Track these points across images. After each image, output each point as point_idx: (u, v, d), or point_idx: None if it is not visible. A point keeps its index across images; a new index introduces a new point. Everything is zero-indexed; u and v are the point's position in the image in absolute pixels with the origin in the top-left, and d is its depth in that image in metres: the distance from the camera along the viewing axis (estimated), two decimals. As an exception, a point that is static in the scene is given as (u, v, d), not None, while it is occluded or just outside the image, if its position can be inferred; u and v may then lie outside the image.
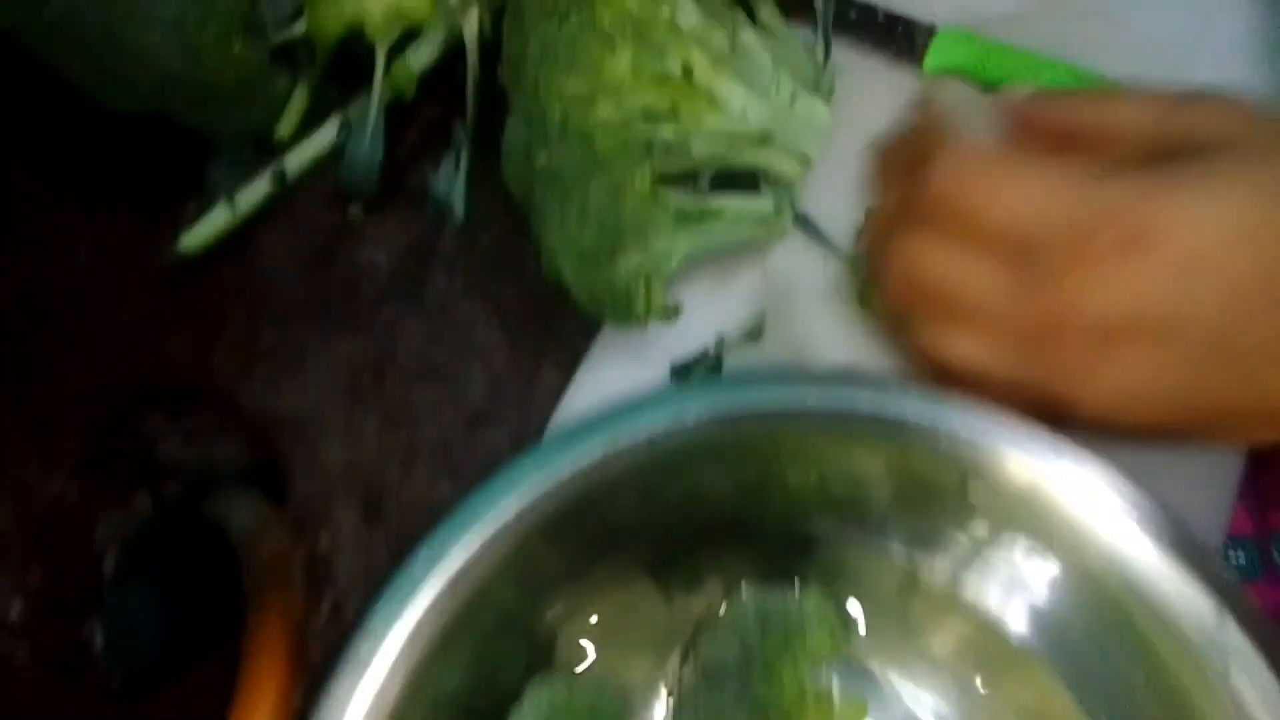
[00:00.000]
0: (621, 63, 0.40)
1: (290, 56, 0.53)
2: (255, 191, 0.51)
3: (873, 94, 0.54)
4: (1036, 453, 0.37)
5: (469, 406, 0.51)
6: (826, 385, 0.38)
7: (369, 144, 0.51)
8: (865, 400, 0.37)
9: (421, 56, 0.50)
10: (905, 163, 0.41)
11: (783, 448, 0.39)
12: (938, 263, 0.36)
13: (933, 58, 0.55)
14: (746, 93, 0.43)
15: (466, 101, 0.52)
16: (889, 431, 0.37)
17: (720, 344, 0.50)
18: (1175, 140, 0.36)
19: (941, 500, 0.39)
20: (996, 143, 0.38)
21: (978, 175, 0.35)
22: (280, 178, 0.52)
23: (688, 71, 0.42)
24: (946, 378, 0.38)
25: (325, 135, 0.53)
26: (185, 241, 0.50)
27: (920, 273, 0.37)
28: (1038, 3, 0.57)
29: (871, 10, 0.57)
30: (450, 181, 0.50)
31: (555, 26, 0.42)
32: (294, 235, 0.54)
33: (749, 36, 0.46)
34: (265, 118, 0.52)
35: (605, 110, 0.41)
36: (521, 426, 0.50)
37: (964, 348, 0.37)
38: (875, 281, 0.41)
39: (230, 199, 0.50)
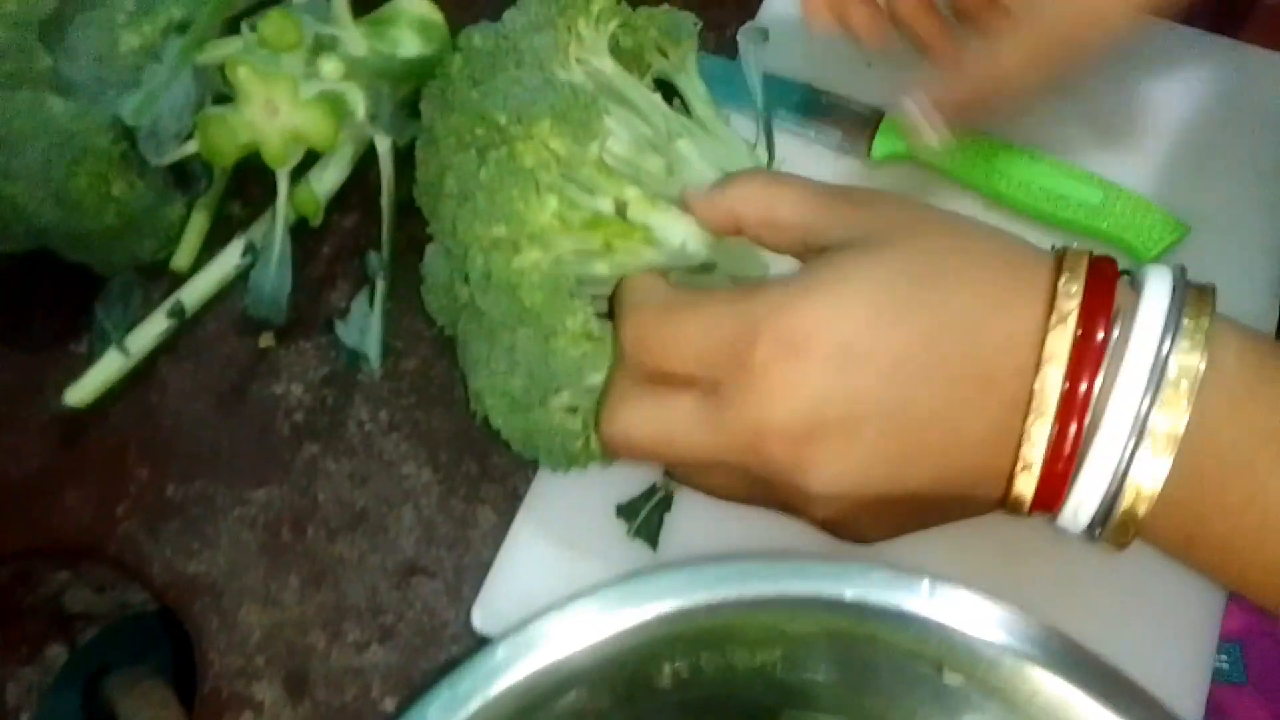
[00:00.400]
0: (547, 208, 0.36)
1: (184, 175, 0.48)
2: (149, 332, 0.47)
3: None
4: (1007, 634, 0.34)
5: (399, 557, 0.47)
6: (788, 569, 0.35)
7: (275, 271, 0.46)
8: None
9: (327, 181, 0.46)
10: None
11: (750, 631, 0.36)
12: (644, 421, 0.37)
13: (880, 145, 0.52)
14: (685, 223, 0.39)
15: (382, 216, 0.48)
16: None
17: (669, 479, 0.46)
18: (823, 234, 0.37)
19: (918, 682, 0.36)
20: (667, 288, 0.38)
21: (651, 329, 0.36)
22: (179, 312, 0.47)
23: (621, 208, 0.38)
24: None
25: (228, 260, 0.48)
26: (70, 395, 0.45)
27: (635, 435, 0.37)
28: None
29: (815, 94, 0.54)
30: (363, 326, 0.46)
31: (473, 164, 0.38)
32: (200, 371, 0.50)
33: (685, 146, 0.42)
34: (159, 246, 0.47)
35: (531, 256, 0.37)
36: (457, 578, 0.46)
37: (704, 481, 0.39)
38: (606, 448, 0.40)
39: (121, 343, 0.45)
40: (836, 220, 0.37)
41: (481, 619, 0.45)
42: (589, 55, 0.42)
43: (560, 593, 0.44)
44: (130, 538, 0.47)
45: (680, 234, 0.39)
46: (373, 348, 0.46)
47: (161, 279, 0.51)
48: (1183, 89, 0.53)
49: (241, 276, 0.48)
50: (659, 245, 0.39)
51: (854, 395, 0.34)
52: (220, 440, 0.49)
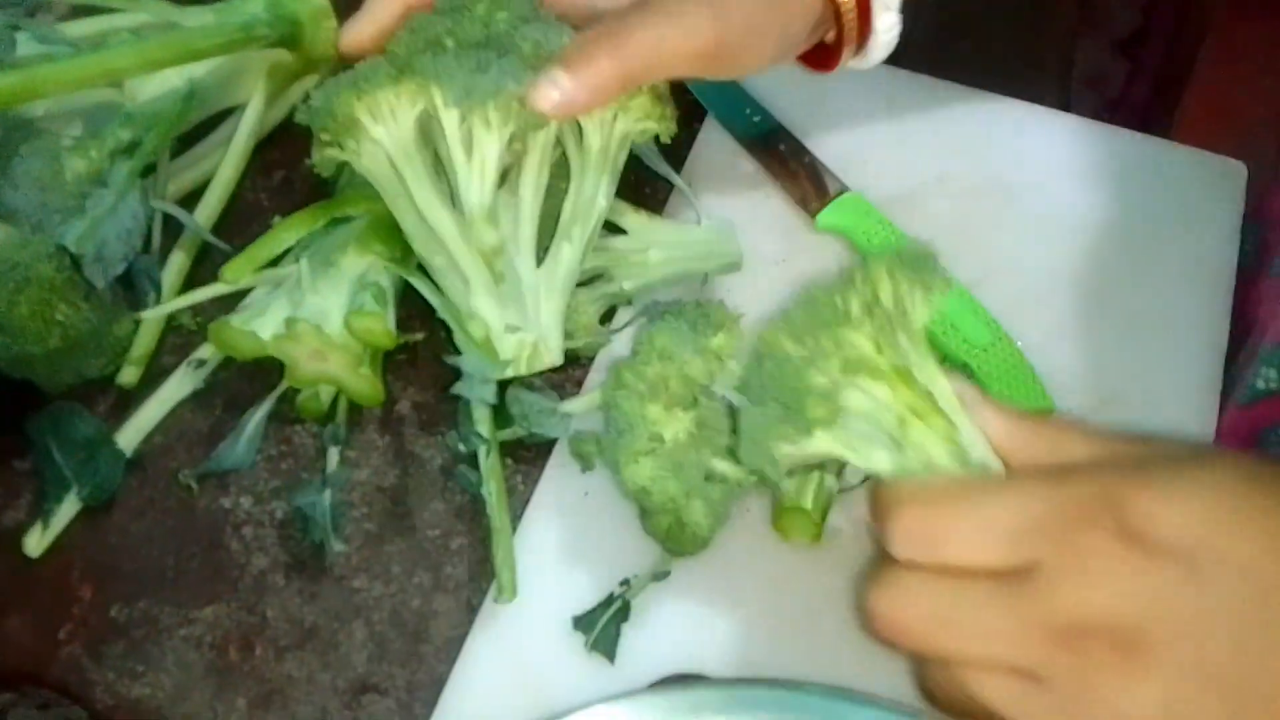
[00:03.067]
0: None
1: (132, 286, 0.48)
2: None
3: (767, 233, 0.53)
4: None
5: (350, 674, 0.46)
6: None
7: (244, 446, 0.47)
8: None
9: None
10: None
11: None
12: (922, 603, 0.33)
13: (827, 215, 0.53)
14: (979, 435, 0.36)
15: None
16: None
17: (626, 588, 0.46)
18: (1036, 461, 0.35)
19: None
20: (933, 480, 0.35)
21: (934, 519, 0.33)
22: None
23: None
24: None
25: (180, 388, 0.48)
26: (30, 545, 0.45)
27: (909, 617, 0.33)
28: (936, 181, 0.55)
29: (800, 150, 0.55)
30: (320, 512, 0.46)
31: None
32: (146, 486, 0.49)
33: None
34: (106, 363, 0.47)
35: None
36: (410, 695, 0.45)
37: (974, 678, 0.33)
38: (870, 626, 0.36)
39: (84, 495, 0.45)
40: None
41: (436, 739, 0.44)
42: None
43: (517, 710, 0.44)
44: (73, 661, 0.46)
45: (980, 446, 0.36)
46: (328, 535, 0.46)
47: (108, 392, 0.50)
48: (1115, 189, 0.55)
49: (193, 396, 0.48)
50: (955, 447, 0.36)
51: (1199, 609, 0.30)
52: (166, 557, 0.48)
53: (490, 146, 0.43)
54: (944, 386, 0.37)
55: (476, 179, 0.43)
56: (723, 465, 0.43)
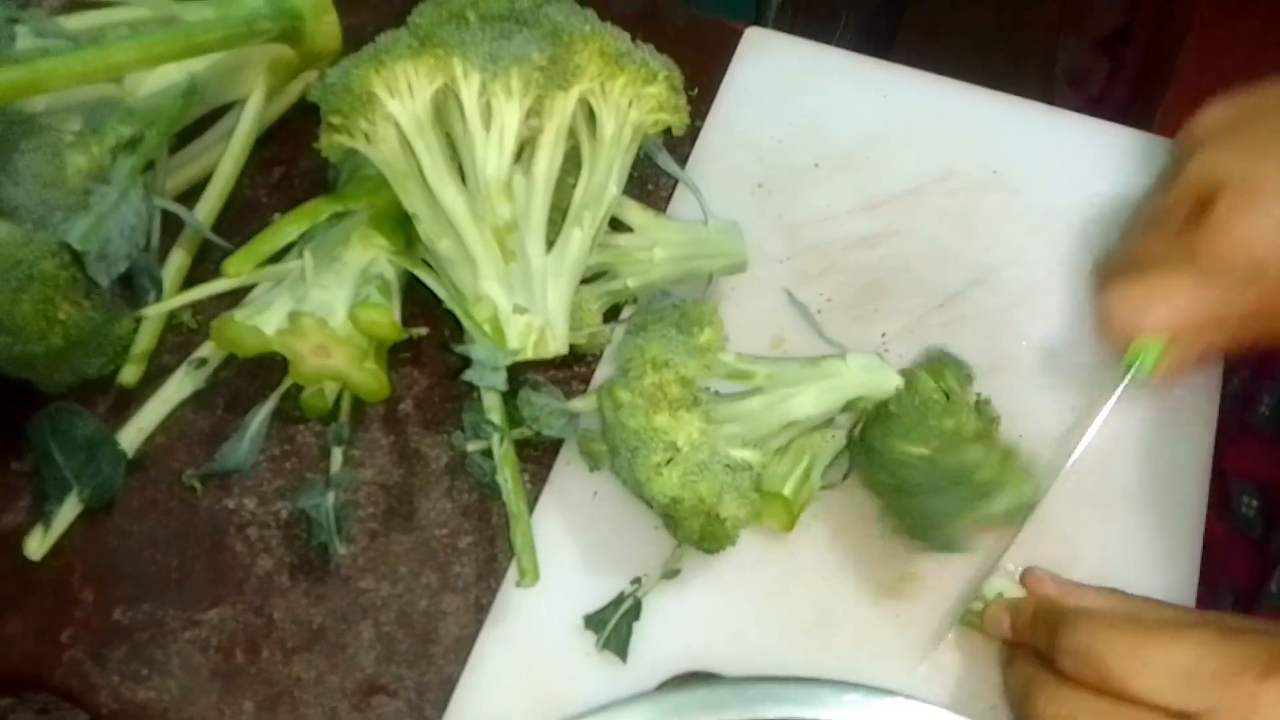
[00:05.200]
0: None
1: (132, 285, 0.47)
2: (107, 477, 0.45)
3: (771, 232, 0.52)
4: None
5: (358, 676, 0.45)
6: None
7: (246, 447, 0.46)
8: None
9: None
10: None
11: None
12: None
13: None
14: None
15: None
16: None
17: (637, 586, 0.45)
18: None
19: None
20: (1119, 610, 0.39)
21: (1118, 636, 0.36)
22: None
23: None
24: None
25: (181, 388, 0.47)
26: (32, 547, 0.44)
27: None
28: (938, 178, 0.55)
29: None
30: (324, 513, 0.45)
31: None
32: (148, 487, 0.48)
33: None
34: (106, 362, 0.46)
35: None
36: (420, 696, 0.45)
37: None
38: None
39: (85, 497, 0.44)
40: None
41: (447, 740, 0.44)
42: None
43: (529, 711, 0.44)
44: (75, 665, 0.45)
45: None
46: (331, 536, 0.45)
47: (108, 392, 0.49)
48: (1114, 183, 0.55)
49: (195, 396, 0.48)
50: None
51: None
52: (169, 559, 0.47)
53: (510, 115, 0.43)
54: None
55: (494, 150, 0.43)
56: (741, 453, 0.42)
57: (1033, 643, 0.39)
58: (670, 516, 0.42)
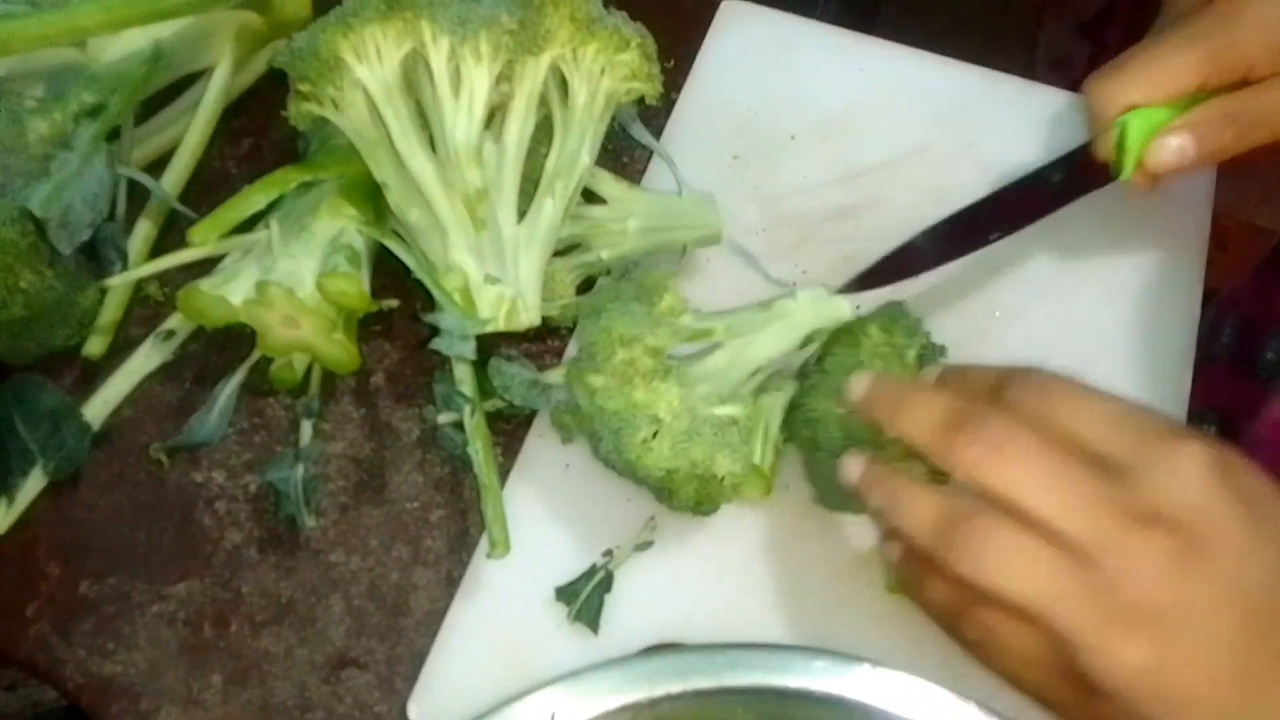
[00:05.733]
0: None
1: (97, 255, 0.47)
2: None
3: (747, 204, 0.52)
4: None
5: (328, 649, 0.45)
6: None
7: (215, 419, 0.46)
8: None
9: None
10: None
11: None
12: (1033, 446, 0.35)
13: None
14: None
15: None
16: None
17: (609, 558, 0.45)
18: None
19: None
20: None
21: (1063, 387, 0.37)
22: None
23: None
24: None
25: (149, 361, 0.46)
26: None
27: (1011, 453, 0.35)
28: (916, 150, 0.55)
29: None
30: (293, 486, 0.45)
31: None
32: (114, 459, 0.48)
33: None
34: (71, 333, 0.46)
35: None
36: (390, 669, 0.45)
37: (1029, 561, 0.34)
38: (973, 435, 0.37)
39: (49, 469, 0.43)
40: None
41: (418, 713, 0.43)
42: None
43: (500, 683, 0.43)
44: (42, 639, 0.45)
45: None
46: (300, 509, 0.45)
47: (74, 364, 0.49)
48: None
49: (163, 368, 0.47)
50: None
51: (1255, 536, 0.34)
52: (136, 533, 0.47)
53: (480, 80, 0.43)
54: None
55: (464, 116, 0.43)
56: (723, 409, 0.42)
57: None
58: (664, 488, 0.41)
